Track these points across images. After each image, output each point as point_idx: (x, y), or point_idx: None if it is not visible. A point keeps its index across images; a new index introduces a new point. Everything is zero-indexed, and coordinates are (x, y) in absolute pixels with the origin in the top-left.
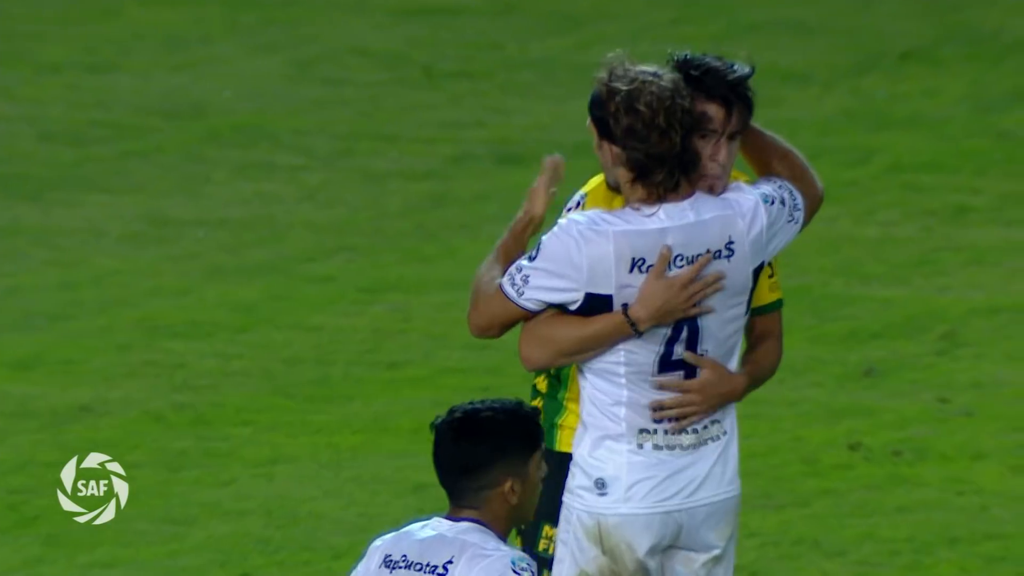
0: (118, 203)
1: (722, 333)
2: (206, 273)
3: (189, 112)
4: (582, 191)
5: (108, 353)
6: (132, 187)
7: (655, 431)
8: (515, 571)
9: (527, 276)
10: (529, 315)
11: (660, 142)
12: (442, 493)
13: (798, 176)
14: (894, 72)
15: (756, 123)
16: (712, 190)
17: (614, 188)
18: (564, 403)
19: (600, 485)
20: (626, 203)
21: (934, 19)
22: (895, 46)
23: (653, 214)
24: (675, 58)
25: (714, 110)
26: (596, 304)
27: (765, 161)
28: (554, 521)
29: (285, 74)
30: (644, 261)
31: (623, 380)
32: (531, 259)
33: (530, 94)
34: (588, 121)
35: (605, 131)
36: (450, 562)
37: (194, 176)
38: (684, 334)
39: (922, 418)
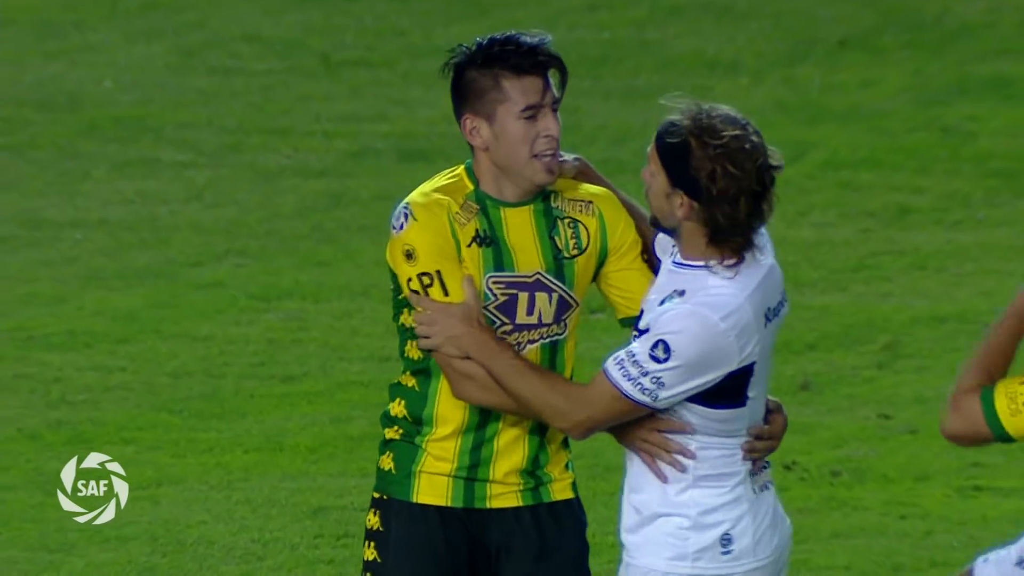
0: None
1: None
2: (84, 279)
3: (65, 104)
4: (404, 202)
5: None
6: (2, 185)
7: (753, 473)
8: None
9: (659, 379)
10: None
11: (749, 207)
12: (342, 516)
13: None
14: (830, 61)
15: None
16: (550, 169)
17: (658, 227)
18: (424, 447)
19: (726, 542)
20: (688, 256)
21: (872, 3)
22: (831, 33)
23: (739, 271)
24: (474, 45)
25: (531, 83)
26: (734, 375)
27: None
28: None
29: (169, 63)
30: (769, 308)
31: (743, 431)
32: (661, 360)
33: (435, 85)
34: (652, 159)
35: (685, 185)
36: None
37: (71, 173)
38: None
39: (862, 436)
